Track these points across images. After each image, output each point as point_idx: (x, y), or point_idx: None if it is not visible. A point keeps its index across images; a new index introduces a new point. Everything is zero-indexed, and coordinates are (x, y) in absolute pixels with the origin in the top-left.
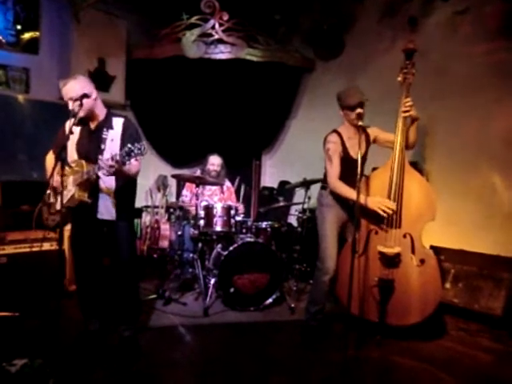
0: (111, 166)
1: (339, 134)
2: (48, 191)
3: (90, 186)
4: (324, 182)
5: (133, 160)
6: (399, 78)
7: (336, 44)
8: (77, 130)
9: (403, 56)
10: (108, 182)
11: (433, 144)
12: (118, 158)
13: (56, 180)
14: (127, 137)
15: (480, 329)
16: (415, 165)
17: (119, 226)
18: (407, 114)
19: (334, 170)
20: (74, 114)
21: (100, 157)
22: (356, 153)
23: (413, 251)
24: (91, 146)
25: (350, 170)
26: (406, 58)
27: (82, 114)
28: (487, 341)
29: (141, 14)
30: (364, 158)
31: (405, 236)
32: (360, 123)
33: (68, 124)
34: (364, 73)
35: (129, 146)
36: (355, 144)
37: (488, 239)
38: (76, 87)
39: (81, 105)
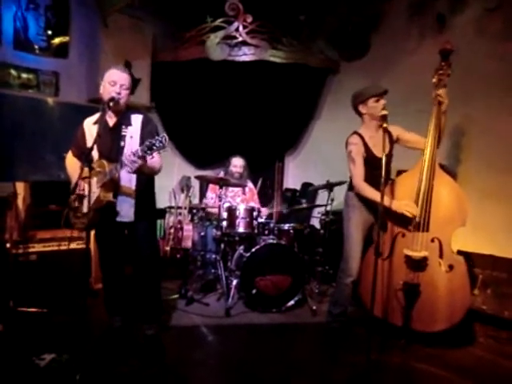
0: (134, 162)
1: (360, 135)
2: (72, 196)
3: (114, 185)
4: (350, 183)
5: (155, 154)
6: (434, 80)
7: (361, 44)
8: (95, 128)
9: (439, 57)
10: (127, 182)
11: (463, 145)
12: (140, 153)
13: (81, 185)
14: (146, 133)
15: (510, 337)
16: (443, 167)
17: (139, 226)
18: (439, 99)
19: (358, 171)
20: (107, 104)
21: (122, 155)
22: (379, 151)
23: (441, 256)
24: (111, 144)
25: (375, 170)
26: (442, 58)
27: (121, 102)
28: None
29: (166, 17)
30: (389, 157)
31: (433, 240)
32: (384, 112)
33: (87, 123)
34: (389, 73)
35: (149, 140)
36: (378, 142)
37: None
38: (128, 77)
39: (127, 93)
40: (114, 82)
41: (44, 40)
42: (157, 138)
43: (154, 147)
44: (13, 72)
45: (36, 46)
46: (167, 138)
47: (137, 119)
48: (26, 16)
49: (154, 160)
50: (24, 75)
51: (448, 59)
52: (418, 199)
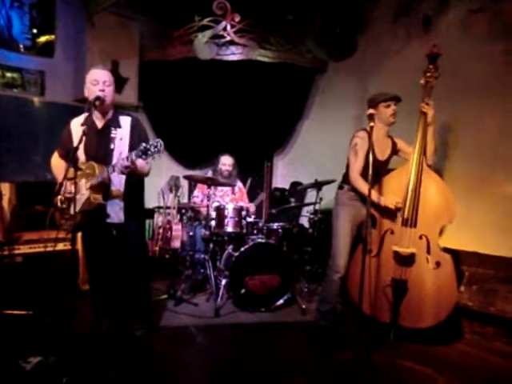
0: (127, 167)
1: (368, 133)
2: (59, 196)
3: (104, 188)
4: (342, 181)
5: (150, 159)
6: (422, 81)
7: (349, 44)
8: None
9: (427, 60)
10: (117, 184)
11: (448, 144)
12: (133, 157)
13: (67, 187)
14: (136, 135)
15: (496, 332)
16: (428, 166)
17: (128, 228)
18: (424, 110)
19: (358, 164)
20: (92, 103)
21: (111, 159)
22: (380, 154)
23: (428, 253)
24: (100, 147)
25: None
26: (430, 61)
27: (107, 100)
28: (502, 345)
29: (153, 16)
30: (386, 164)
31: (421, 237)
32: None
33: (73, 124)
34: (377, 73)
35: (143, 144)
36: (380, 146)
37: (504, 242)
38: (110, 74)
39: (111, 89)
40: (95, 80)
41: (29, 38)
42: (151, 142)
43: (149, 152)
44: None
45: (21, 45)
46: (162, 143)
47: (125, 121)
48: (10, 14)
49: (144, 164)
50: (8, 74)
51: (436, 62)
52: (407, 196)
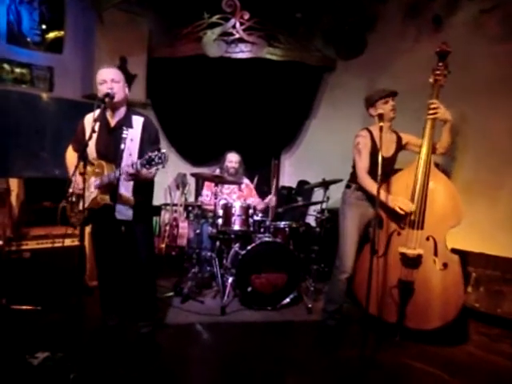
0: (131, 175)
1: (369, 131)
2: (70, 190)
3: (111, 188)
4: (349, 180)
5: (153, 169)
6: (430, 80)
7: (358, 43)
8: (96, 126)
9: (436, 57)
10: (125, 187)
11: (456, 144)
12: (138, 166)
13: (77, 181)
14: (146, 137)
15: (502, 334)
16: (437, 166)
17: (136, 226)
18: (432, 117)
19: (363, 162)
20: (102, 99)
21: (121, 159)
22: (385, 151)
23: (436, 254)
24: (111, 146)
25: (377, 169)
26: (440, 59)
27: (116, 98)
28: (509, 346)
29: (162, 13)
30: (393, 160)
31: (428, 238)
32: (380, 111)
33: (87, 119)
34: (386, 72)
35: (149, 154)
36: (384, 143)
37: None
38: (118, 72)
39: (121, 86)
40: (103, 80)
41: (38, 34)
42: (156, 153)
43: (153, 162)
44: (6, 66)
45: (30, 41)
46: (167, 155)
47: (138, 121)
48: (20, 10)
49: (147, 173)
50: (17, 70)
51: (445, 60)
52: (414, 197)
